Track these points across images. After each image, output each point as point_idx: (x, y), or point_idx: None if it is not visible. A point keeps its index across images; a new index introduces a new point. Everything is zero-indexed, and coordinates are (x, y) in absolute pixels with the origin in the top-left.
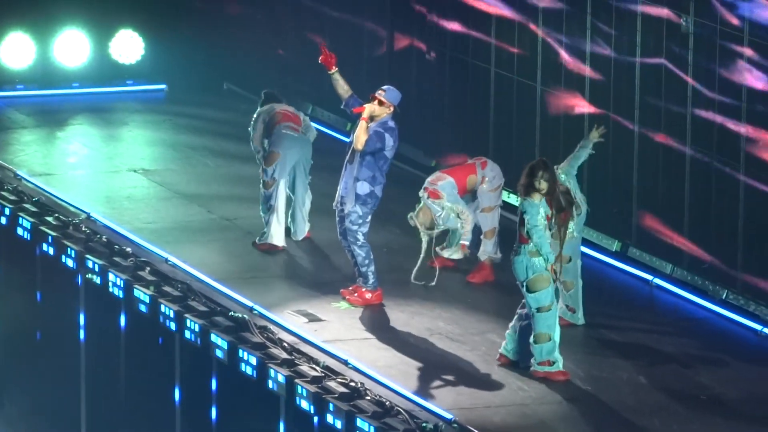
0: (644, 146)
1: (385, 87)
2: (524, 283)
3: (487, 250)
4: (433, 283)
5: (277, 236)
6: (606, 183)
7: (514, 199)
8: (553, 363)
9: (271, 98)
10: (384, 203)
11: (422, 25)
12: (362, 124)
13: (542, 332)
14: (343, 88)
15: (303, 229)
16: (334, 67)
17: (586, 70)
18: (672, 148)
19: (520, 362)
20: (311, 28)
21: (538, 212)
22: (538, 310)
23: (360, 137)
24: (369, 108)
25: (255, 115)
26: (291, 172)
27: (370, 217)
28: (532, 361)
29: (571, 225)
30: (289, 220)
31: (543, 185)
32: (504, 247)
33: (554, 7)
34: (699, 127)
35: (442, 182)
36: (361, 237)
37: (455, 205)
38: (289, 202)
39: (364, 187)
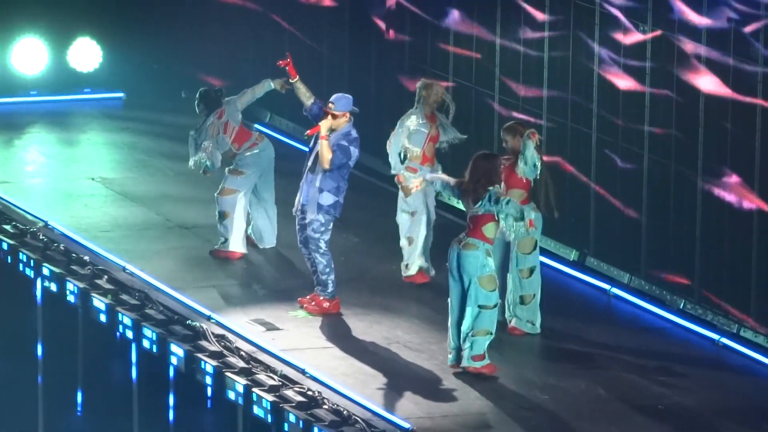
0: (602, 154)
1: (332, 98)
2: (474, 278)
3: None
4: None
5: (235, 243)
6: (564, 192)
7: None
8: (485, 357)
9: (215, 100)
10: (342, 212)
11: (380, 36)
12: (323, 143)
13: (484, 328)
14: (305, 95)
15: (272, 238)
16: (296, 76)
17: (544, 80)
18: (630, 156)
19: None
20: (270, 39)
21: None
22: (483, 307)
23: (324, 156)
24: (324, 125)
25: (209, 124)
26: (259, 180)
27: (332, 225)
28: (464, 353)
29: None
30: (250, 228)
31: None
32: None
33: (511, 16)
34: (656, 135)
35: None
36: (323, 245)
37: (414, 146)
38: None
39: (328, 198)
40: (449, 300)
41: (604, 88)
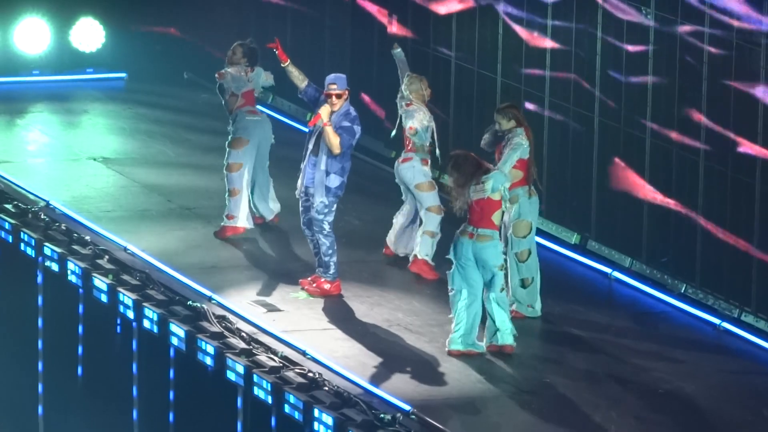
0: (604, 138)
1: (331, 80)
2: (496, 268)
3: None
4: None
5: (241, 218)
6: (565, 175)
7: None
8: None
9: (252, 58)
10: (344, 195)
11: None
12: (328, 130)
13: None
14: (298, 78)
15: (270, 211)
16: (287, 59)
17: (546, 64)
18: (632, 139)
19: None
20: (273, 18)
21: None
22: (502, 289)
23: (332, 142)
24: (325, 112)
25: (236, 71)
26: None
27: (336, 206)
28: (497, 337)
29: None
30: (251, 203)
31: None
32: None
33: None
34: (659, 117)
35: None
36: (326, 226)
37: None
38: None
39: (335, 180)
40: (455, 287)
41: (607, 73)
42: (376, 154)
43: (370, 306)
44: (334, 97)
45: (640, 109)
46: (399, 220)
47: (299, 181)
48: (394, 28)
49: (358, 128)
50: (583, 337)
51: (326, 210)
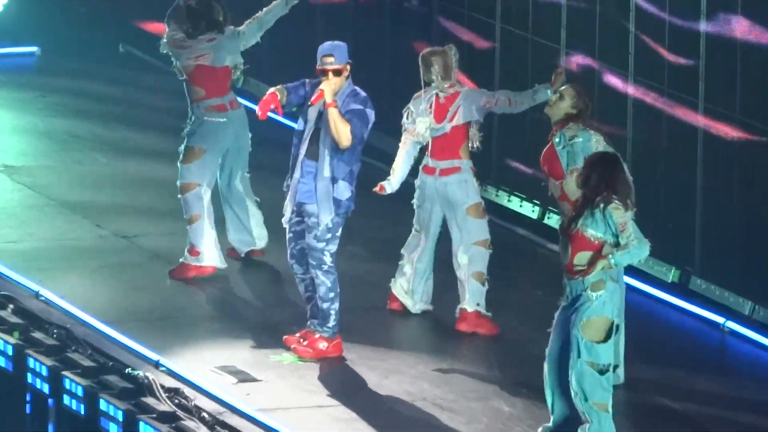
0: (711, 140)
1: (325, 50)
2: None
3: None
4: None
5: (209, 254)
6: (658, 189)
7: (515, 203)
8: None
9: (194, 20)
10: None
11: None
12: (333, 113)
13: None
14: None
15: (249, 242)
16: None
17: (631, 31)
18: (747, 144)
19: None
20: None
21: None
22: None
23: (341, 130)
24: (328, 88)
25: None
26: (221, 166)
27: (341, 230)
28: None
29: None
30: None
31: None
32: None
33: None
34: None
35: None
36: (327, 258)
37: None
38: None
39: (345, 190)
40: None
41: (716, 41)
42: (387, 155)
43: (383, 373)
44: (330, 74)
45: (760, 95)
46: (412, 261)
47: (287, 202)
48: None
49: (371, 112)
50: (685, 411)
51: (329, 235)
